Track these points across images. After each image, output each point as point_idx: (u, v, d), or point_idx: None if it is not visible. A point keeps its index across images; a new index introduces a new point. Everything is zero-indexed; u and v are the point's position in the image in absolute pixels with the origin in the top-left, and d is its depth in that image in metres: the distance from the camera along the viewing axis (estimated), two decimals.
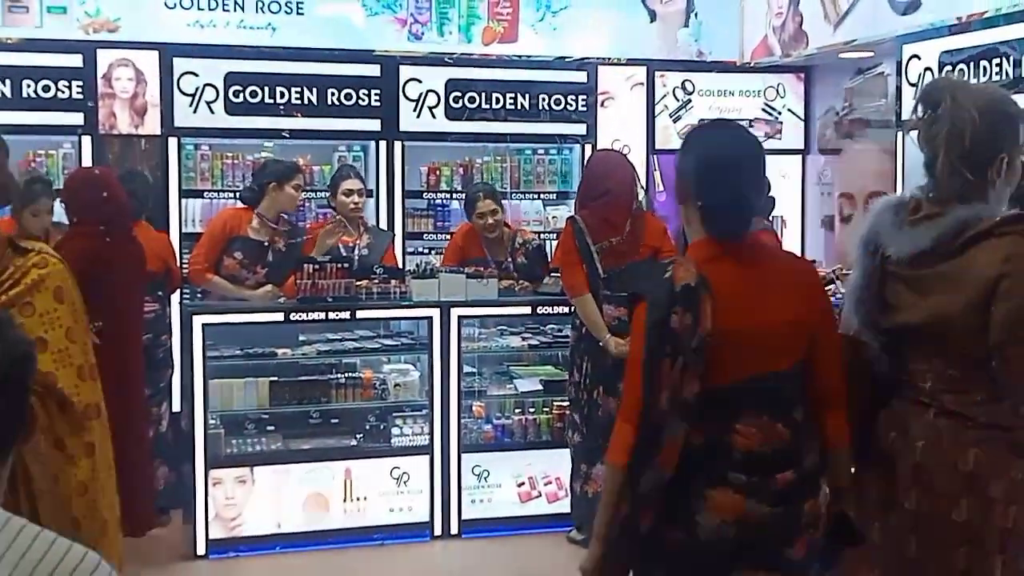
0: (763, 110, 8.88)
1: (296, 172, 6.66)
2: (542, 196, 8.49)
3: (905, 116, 6.82)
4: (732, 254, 2.94)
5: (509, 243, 7.05)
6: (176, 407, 6.68)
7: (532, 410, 6.70)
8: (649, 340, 2.85)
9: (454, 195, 8.28)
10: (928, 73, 6.61)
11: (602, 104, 8.42)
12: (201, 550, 6.11)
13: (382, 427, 6.49)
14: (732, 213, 2.95)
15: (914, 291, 2.93)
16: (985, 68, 6.30)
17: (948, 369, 2.90)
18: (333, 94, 7.85)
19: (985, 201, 2.88)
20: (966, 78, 6.35)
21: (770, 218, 7.10)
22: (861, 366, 3.05)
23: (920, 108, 2.96)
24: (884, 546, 2.97)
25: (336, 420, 6.53)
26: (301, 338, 6.53)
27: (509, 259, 7.00)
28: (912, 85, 6.77)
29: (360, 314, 6.48)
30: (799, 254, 8.08)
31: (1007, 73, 6.16)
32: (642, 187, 6.06)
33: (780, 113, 8.90)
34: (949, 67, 6.49)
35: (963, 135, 2.84)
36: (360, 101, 7.91)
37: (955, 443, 2.86)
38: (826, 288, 5.25)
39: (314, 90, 7.82)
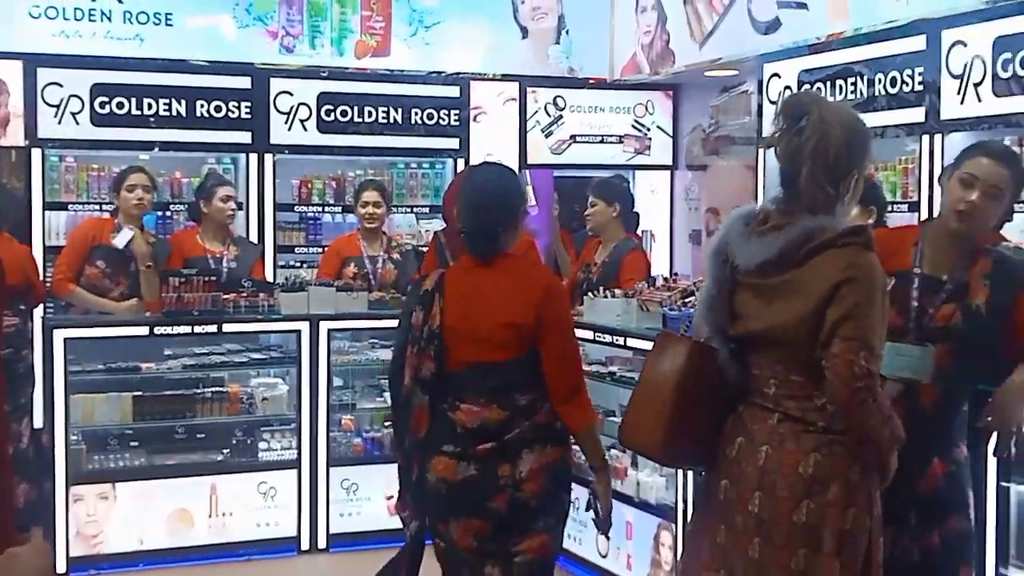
0: (633, 126, 9.03)
1: (129, 174, 6.58)
2: (415, 210, 8.51)
3: (767, 133, 7.01)
4: (481, 268, 3.75)
5: (385, 242, 7.06)
6: (38, 423, 6.52)
7: None
8: (398, 331, 3.83)
9: (326, 208, 8.26)
10: (788, 91, 6.80)
11: (475, 119, 8.49)
12: (62, 568, 5.98)
13: (249, 442, 6.43)
14: (479, 240, 3.74)
15: (760, 299, 3.02)
16: (841, 87, 6.51)
17: (791, 375, 2.99)
18: (203, 106, 7.78)
19: (832, 215, 2.99)
20: (824, 96, 6.55)
21: (638, 233, 7.23)
22: (710, 372, 3.13)
23: (781, 121, 3.04)
24: (728, 548, 3.05)
25: (202, 435, 6.44)
26: (167, 352, 6.45)
27: (383, 254, 6.99)
28: (772, 103, 6.96)
29: (227, 328, 6.41)
30: (668, 266, 8.26)
31: (861, 92, 6.38)
32: None
33: (649, 129, 9.06)
34: (808, 85, 6.69)
35: (828, 148, 2.94)
36: (230, 113, 7.85)
37: (797, 448, 2.96)
38: (686, 300, 5.42)
39: (183, 102, 7.74)
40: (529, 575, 3.72)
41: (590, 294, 6.17)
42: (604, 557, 5.86)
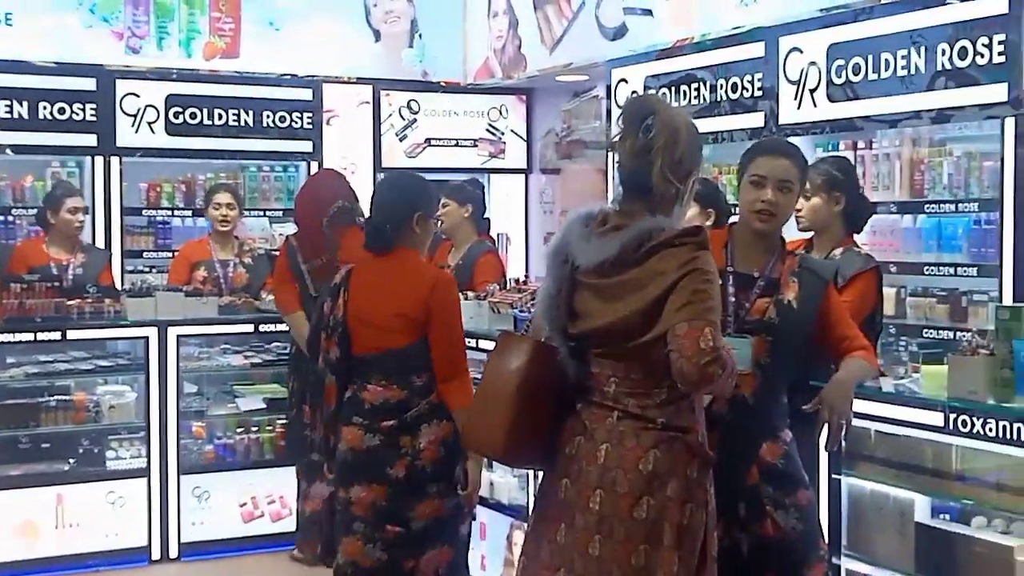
0: (487, 130, 9.10)
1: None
2: (268, 214, 8.43)
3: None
4: (378, 263, 4.24)
5: (237, 246, 6.98)
6: None
7: (255, 429, 6.65)
8: (314, 318, 4.40)
9: (176, 212, 8.14)
10: (634, 95, 6.92)
11: (328, 122, 8.45)
12: None
13: (96, 451, 6.30)
14: (372, 237, 4.25)
15: (600, 298, 3.07)
16: (685, 92, 6.66)
17: (630, 373, 3.05)
18: (46, 108, 7.59)
19: (670, 215, 3.07)
20: (668, 102, 6.70)
21: (492, 236, 7.27)
22: (550, 371, 3.16)
23: (625, 122, 3.09)
24: (568, 547, 3.08)
25: (47, 444, 6.29)
26: (9, 360, 6.28)
27: (235, 258, 6.92)
28: (620, 108, 7.08)
29: (72, 335, 6.27)
30: (523, 269, 8.33)
31: (704, 97, 6.54)
32: (346, 205, 5.99)
33: (503, 133, 9.14)
34: (653, 90, 6.82)
35: (677, 144, 3.01)
36: (75, 115, 7.68)
37: (636, 445, 3.02)
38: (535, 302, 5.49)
39: (25, 104, 7.55)
40: (424, 538, 4.16)
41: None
42: None
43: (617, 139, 3.10)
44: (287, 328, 6.23)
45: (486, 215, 6.82)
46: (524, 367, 3.15)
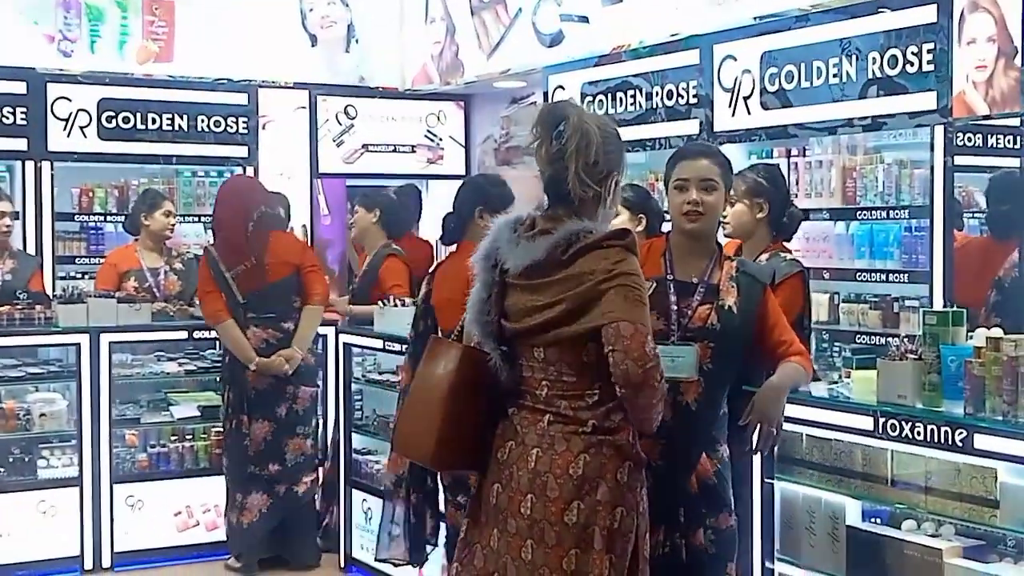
0: (426, 136, 9.09)
1: None
2: (203, 219, 8.34)
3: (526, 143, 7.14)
4: (453, 254, 4.59)
5: (166, 253, 6.90)
6: None
7: (190, 437, 6.58)
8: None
9: (108, 218, 8.03)
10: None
11: (263, 127, 8.39)
12: None
13: (27, 459, 6.20)
14: (442, 230, 4.70)
15: (529, 300, 3.10)
16: (621, 99, 6.69)
17: (562, 375, 3.08)
18: None
19: (594, 219, 3.10)
20: (605, 108, 6.73)
21: (423, 239, 7.28)
22: (481, 376, 3.18)
23: (539, 129, 3.12)
24: (501, 552, 3.11)
25: None
26: None
27: (165, 265, 6.84)
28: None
29: (2, 341, 6.17)
30: None
31: (640, 104, 6.57)
32: (268, 210, 6.15)
33: (442, 139, 9.13)
34: (590, 97, 6.85)
35: (589, 148, 3.05)
36: (4, 119, 7.56)
37: (566, 449, 3.04)
38: None
39: None
40: None
41: (379, 303, 6.16)
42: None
43: (534, 146, 3.15)
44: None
45: (401, 219, 6.87)
46: (453, 372, 3.16)
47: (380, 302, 6.04)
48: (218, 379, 6.32)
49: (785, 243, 4.47)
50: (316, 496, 6.36)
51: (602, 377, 3.02)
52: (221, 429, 6.29)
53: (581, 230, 3.05)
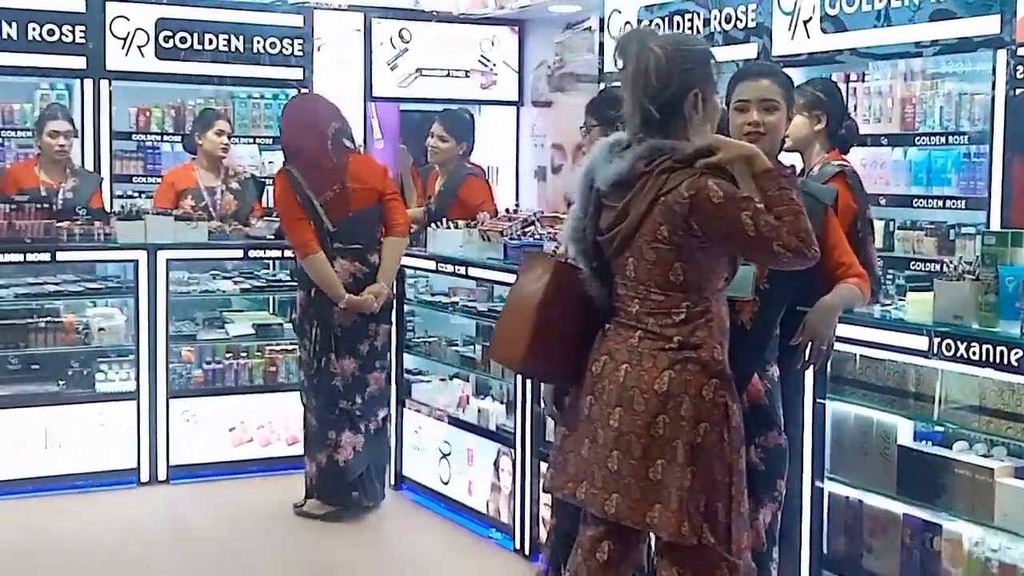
0: (479, 61, 9.05)
1: None
2: (258, 141, 8.40)
3: (607, 70, 7.11)
4: None
5: (223, 172, 6.94)
6: None
7: (244, 355, 6.67)
8: None
9: (165, 137, 8.10)
10: (628, 27, 6.90)
11: (318, 49, 8.40)
12: None
13: (86, 373, 6.32)
14: None
15: (619, 219, 3.17)
16: (679, 23, 6.63)
17: (651, 293, 3.15)
18: (35, 29, 7.51)
19: (684, 137, 3.13)
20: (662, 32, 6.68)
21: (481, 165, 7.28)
22: (572, 290, 3.29)
23: (617, 58, 3.21)
24: (590, 461, 3.21)
25: (37, 366, 6.32)
26: None
27: (222, 184, 6.87)
28: (614, 39, 7.05)
29: (62, 257, 6.27)
30: (514, 202, 8.31)
31: (697, 29, 6.51)
32: (340, 127, 5.67)
33: (495, 65, 9.10)
34: (647, 22, 6.79)
35: (650, 73, 3.09)
36: (64, 37, 7.60)
37: (653, 365, 3.12)
38: (526, 230, 5.54)
39: (14, 24, 7.47)
40: None
41: (433, 225, 6.20)
42: (446, 484, 5.96)
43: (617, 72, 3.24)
44: (278, 254, 6.19)
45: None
46: (545, 285, 3.29)
47: (470, 221, 6.00)
48: (294, 316, 6.00)
49: (843, 155, 4.43)
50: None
51: (688, 296, 3.12)
52: (278, 347, 6.36)
53: (665, 146, 3.10)
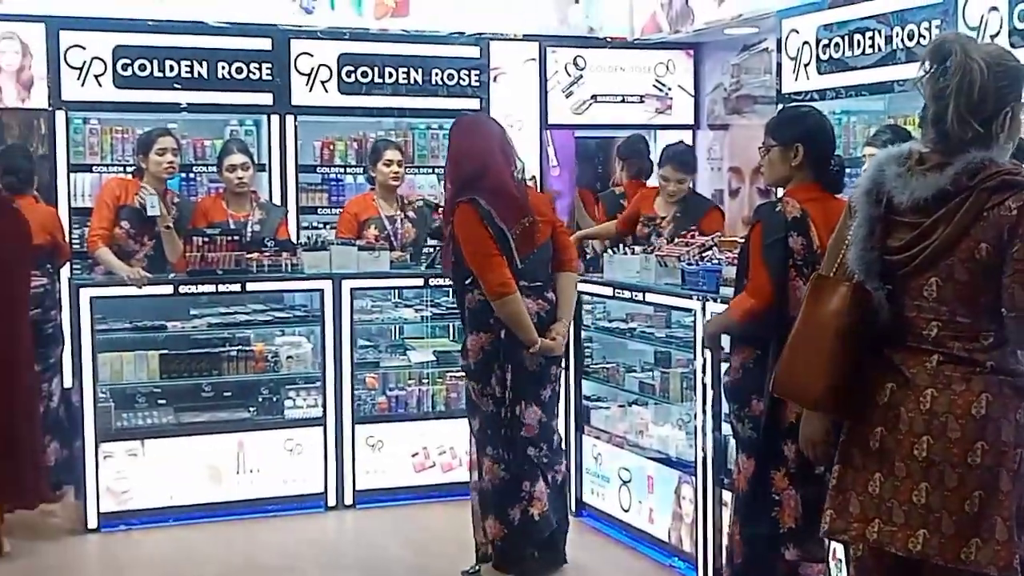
0: (654, 86, 9.02)
1: (158, 137, 6.56)
2: (436, 171, 8.53)
3: (786, 90, 7.01)
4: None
5: (399, 201, 7.08)
6: (68, 383, 6.63)
7: (426, 381, 6.79)
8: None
9: (348, 170, 8.31)
10: (806, 47, 6.79)
11: (495, 79, 8.50)
12: (93, 523, 6.11)
13: (275, 399, 6.53)
14: None
15: (924, 236, 3.04)
16: (859, 42, 6.49)
17: (957, 316, 3.02)
18: (224, 67, 7.79)
19: (988, 151, 3.01)
20: (841, 52, 6.55)
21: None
22: (867, 315, 3.12)
23: (928, 62, 3.06)
24: (884, 496, 3.05)
25: (228, 393, 6.57)
26: (192, 311, 6.54)
27: (399, 213, 7.01)
28: (792, 59, 6.95)
29: (251, 287, 6.50)
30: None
31: (879, 47, 6.36)
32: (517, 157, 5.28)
33: (670, 89, 9.05)
34: (826, 42, 6.67)
35: (972, 86, 2.96)
36: (251, 75, 7.87)
37: (966, 389, 2.98)
38: (703, 255, 5.46)
39: (204, 63, 7.76)
40: None
41: (609, 251, 6.20)
42: (627, 511, 5.93)
43: (921, 81, 3.07)
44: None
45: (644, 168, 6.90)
46: (845, 311, 3.12)
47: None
48: (482, 360, 5.17)
49: None
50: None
51: (997, 319, 2.98)
52: (460, 373, 6.44)
53: (984, 159, 2.98)
